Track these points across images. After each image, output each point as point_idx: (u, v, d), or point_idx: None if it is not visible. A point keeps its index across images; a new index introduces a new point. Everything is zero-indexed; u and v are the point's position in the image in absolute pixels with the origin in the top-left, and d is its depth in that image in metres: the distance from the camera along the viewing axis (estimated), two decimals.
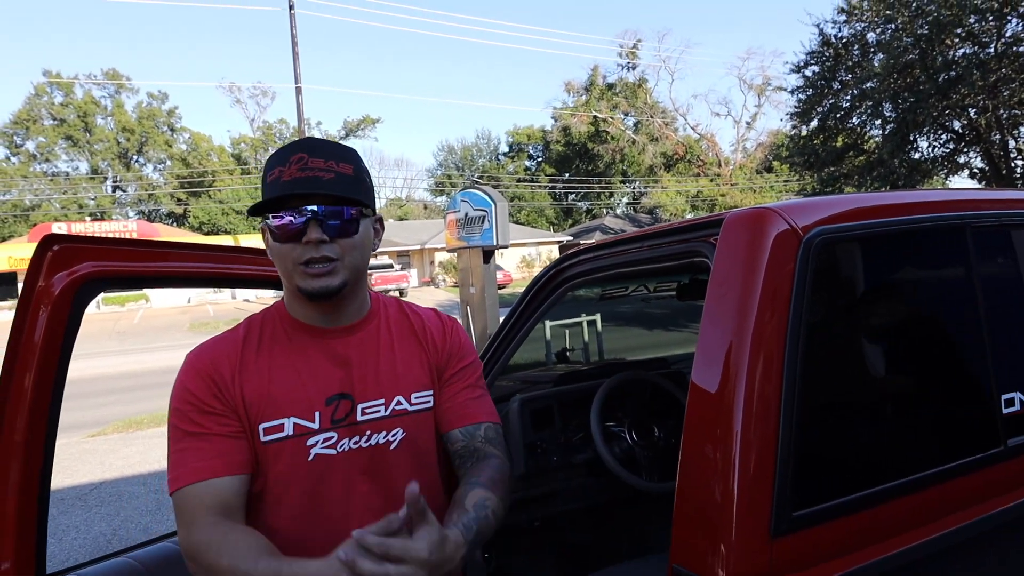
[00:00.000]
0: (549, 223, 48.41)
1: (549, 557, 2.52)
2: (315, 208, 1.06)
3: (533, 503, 2.21)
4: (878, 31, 16.26)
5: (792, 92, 18.39)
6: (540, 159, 51.48)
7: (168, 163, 42.74)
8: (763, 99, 42.06)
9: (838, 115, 17.49)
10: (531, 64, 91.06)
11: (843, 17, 16.77)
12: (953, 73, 14.35)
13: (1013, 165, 16.28)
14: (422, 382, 1.21)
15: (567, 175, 48.42)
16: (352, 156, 1.12)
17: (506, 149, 54.33)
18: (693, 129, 44.91)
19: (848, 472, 1.17)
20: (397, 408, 1.17)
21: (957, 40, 14.44)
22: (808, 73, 17.82)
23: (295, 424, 1.10)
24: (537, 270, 36.93)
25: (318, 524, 1.11)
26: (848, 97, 17.33)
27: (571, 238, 39.37)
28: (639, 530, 2.63)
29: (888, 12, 15.35)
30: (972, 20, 13.86)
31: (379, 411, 1.15)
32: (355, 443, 1.13)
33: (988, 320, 1.37)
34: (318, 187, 1.05)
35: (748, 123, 42.89)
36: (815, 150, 18.13)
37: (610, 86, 44.63)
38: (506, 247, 9.94)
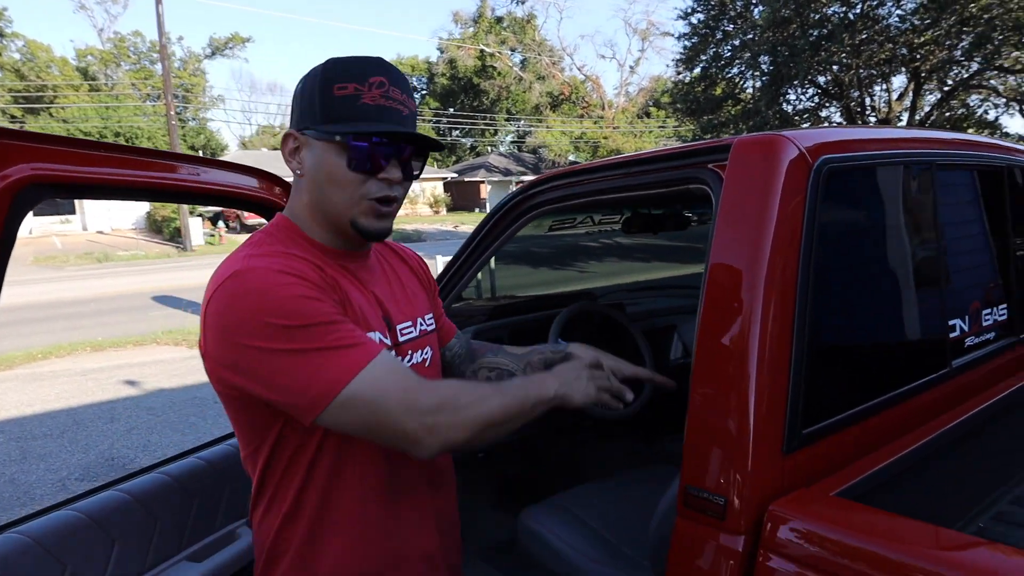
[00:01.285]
0: (433, 159, 47.42)
1: (489, 490, 2.54)
2: (405, 149, 1.01)
3: None
4: None
5: (678, 38, 18.83)
6: (424, 92, 49.85)
7: None
8: (647, 44, 42.94)
9: (719, 64, 18.17)
10: None
11: None
12: (824, 31, 15.27)
13: (868, 121, 17.77)
14: (427, 307, 1.25)
15: (452, 110, 47.38)
16: (410, 88, 1.05)
17: None
18: (579, 70, 45.20)
19: (843, 391, 1.23)
20: (423, 328, 1.19)
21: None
22: (694, 20, 18.29)
23: (380, 340, 1.05)
24: (421, 207, 36.45)
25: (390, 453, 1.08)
26: (729, 47, 18.02)
27: (456, 175, 38.88)
28: (572, 459, 2.71)
29: None
30: None
31: (412, 332, 1.16)
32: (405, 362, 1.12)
33: (944, 253, 1.48)
34: (401, 121, 1.00)
35: (632, 67, 43.93)
36: (697, 97, 18.82)
37: (499, 19, 43.67)
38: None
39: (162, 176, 1.21)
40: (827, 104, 18.27)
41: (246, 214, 28.00)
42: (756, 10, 17.06)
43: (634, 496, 1.97)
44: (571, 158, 40.61)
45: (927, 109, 17.34)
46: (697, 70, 18.84)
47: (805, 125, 18.75)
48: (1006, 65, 14.53)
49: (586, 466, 2.65)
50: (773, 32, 15.91)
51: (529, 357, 1.33)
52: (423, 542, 1.14)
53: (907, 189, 1.41)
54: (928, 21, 14.45)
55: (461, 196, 39.33)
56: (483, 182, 38.59)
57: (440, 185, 38.10)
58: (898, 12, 15.08)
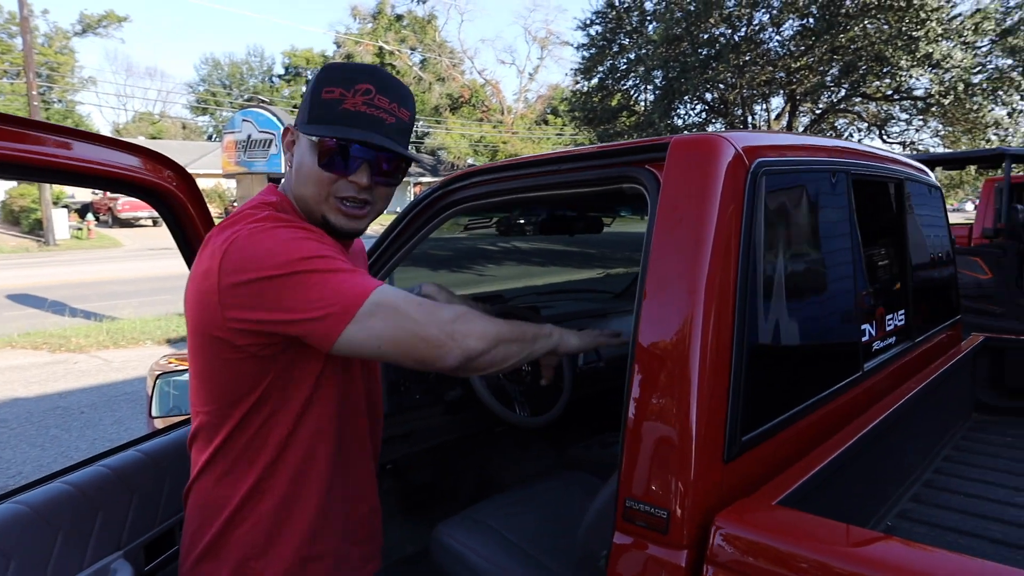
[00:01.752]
0: None
1: (397, 500, 2.41)
2: (374, 155, 1.08)
3: (391, 443, 2.07)
4: (655, 1, 17.58)
5: (577, 48, 19.25)
6: None
7: None
8: (546, 52, 43.71)
9: (615, 76, 18.75)
10: None
11: None
12: (713, 50, 16.11)
13: None
14: None
15: None
16: (411, 101, 1.13)
17: (282, 71, 50.10)
18: (479, 74, 45.35)
19: (776, 396, 1.22)
20: None
21: (718, 20, 16.16)
22: (592, 32, 18.76)
23: None
24: None
25: (352, 417, 1.19)
26: (625, 60, 18.63)
27: None
28: (481, 468, 2.63)
29: None
30: (731, 3, 15.59)
31: None
32: None
33: (859, 259, 1.52)
34: (381, 129, 1.06)
35: (531, 74, 44.64)
36: (594, 107, 19.32)
37: (399, 17, 43.03)
38: None
39: (17, 148, 1.01)
40: (713, 120, 19.29)
41: (120, 206, 25.93)
42: (651, 26, 17.74)
43: (550, 506, 1.92)
44: (470, 161, 40.63)
45: (800, 130, 18.71)
46: (595, 80, 19.34)
47: None
48: (868, 92, 15.93)
49: (496, 475, 2.58)
50: (666, 48, 16.60)
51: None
52: (363, 532, 1.25)
53: (829, 196, 1.44)
54: (803, 48, 15.59)
55: None
56: None
57: None
58: (778, 38, 16.19)
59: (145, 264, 16.84)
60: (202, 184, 31.10)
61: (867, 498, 1.48)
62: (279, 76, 50.34)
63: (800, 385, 1.30)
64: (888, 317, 1.71)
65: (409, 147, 1.14)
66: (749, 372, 1.09)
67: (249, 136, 9.11)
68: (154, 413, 1.98)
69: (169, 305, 10.50)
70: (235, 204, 27.83)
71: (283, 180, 1.16)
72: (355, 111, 1.04)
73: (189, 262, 1.39)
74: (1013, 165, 4.92)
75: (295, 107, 45.35)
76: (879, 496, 1.55)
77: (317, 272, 0.95)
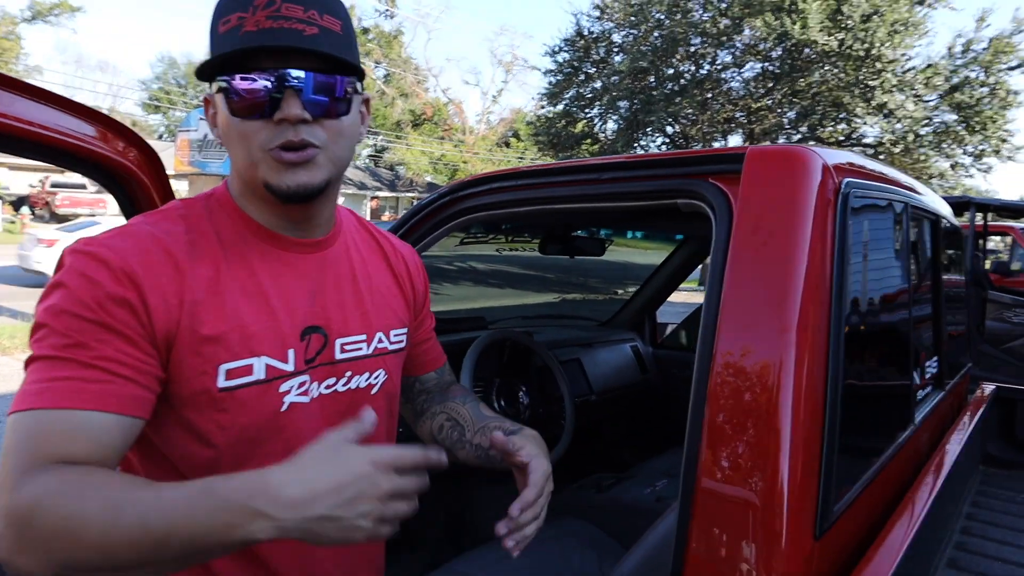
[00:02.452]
0: None
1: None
2: (300, 74, 0.77)
3: None
4: (623, 33, 17.85)
5: (544, 73, 19.37)
6: None
7: None
8: (510, 76, 44.00)
9: (581, 103, 18.92)
10: None
11: (597, 13, 18.07)
12: (677, 85, 16.42)
13: None
14: (401, 319, 1.03)
15: None
16: (339, 7, 0.81)
17: None
18: (443, 92, 45.26)
19: (859, 456, 1.05)
20: (380, 347, 0.97)
21: (683, 56, 16.50)
22: (560, 59, 18.92)
23: (267, 366, 0.82)
24: None
25: None
26: (591, 89, 18.83)
27: None
28: (459, 512, 2.39)
29: (633, 18, 16.92)
30: (697, 41, 15.95)
31: (361, 349, 0.94)
32: (329, 387, 0.89)
33: (915, 300, 1.38)
34: (299, 41, 0.76)
35: (494, 97, 44.56)
36: (558, 132, 19.41)
37: (365, 30, 42.70)
38: None
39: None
40: None
41: (59, 200, 24.61)
42: (617, 57, 17.98)
43: (546, 558, 1.70)
44: (428, 179, 40.38)
45: None
46: (560, 106, 19.46)
47: None
48: (823, 136, 16.45)
49: (472, 521, 2.34)
50: (632, 80, 16.82)
51: (487, 422, 1.06)
52: None
53: (898, 227, 1.30)
54: (764, 90, 16.02)
55: None
56: None
57: None
58: (740, 78, 16.61)
59: None
60: None
61: (923, 566, 1.32)
62: None
63: (875, 442, 1.14)
64: (927, 363, 1.58)
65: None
66: (841, 426, 0.92)
67: (205, 135, 8.73)
68: None
69: None
70: None
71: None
72: (257, 31, 0.75)
73: None
74: (978, 213, 5.01)
75: None
76: (927, 563, 1.40)
77: (35, 351, 0.71)
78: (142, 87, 49.62)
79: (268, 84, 0.76)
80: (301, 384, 0.85)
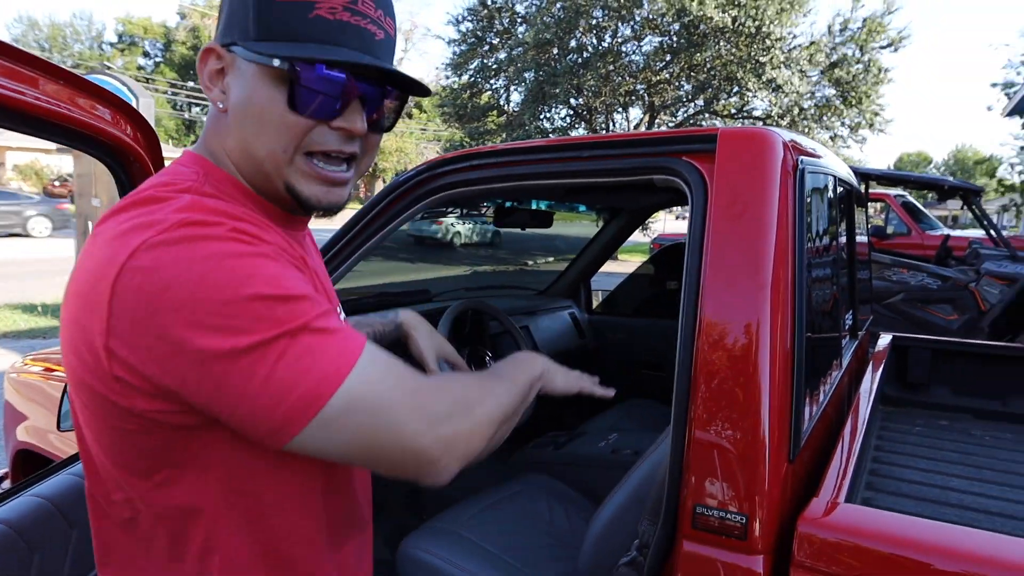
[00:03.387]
0: (169, 136, 42.18)
1: None
2: (373, 88, 0.74)
3: None
4: (526, 4, 17.91)
5: (448, 43, 19.15)
6: (160, 60, 44.11)
7: None
8: (410, 44, 43.04)
9: (486, 75, 18.89)
10: None
11: None
12: (580, 58, 16.70)
13: None
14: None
15: (192, 84, 42.58)
16: (393, 9, 0.77)
17: (115, 39, 45.21)
18: None
19: (814, 392, 1.23)
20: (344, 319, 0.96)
21: (586, 29, 16.77)
22: (463, 28, 18.76)
23: None
24: None
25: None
26: (495, 60, 18.82)
27: None
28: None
29: None
30: (599, 14, 16.25)
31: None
32: None
33: (845, 258, 1.59)
34: (373, 49, 0.72)
35: (395, 63, 43.53)
36: (464, 104, 19.32)
37: None
38: None
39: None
40: (577, 125, 20.01)
41: None
42: (521, 28, 18.05)
43: (519, 511, 1.83)
44: None
45: None
46: (465, 77, 19.34)
47: None
48: (717, 110, 17.30)
49: (436, 488, 2.44)
50: (536, 52, 16.96)
51: (358, 326, 1.16)
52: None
53: (831, 197, 1.49)
54: (662, 64, 16.61)
55: None
56: None
57: None
58: (640, 52, 17.11)
59: None
60: (14, 158, 27.08)
61: (854, 485, 1.55)
62: (111, 44, 45.41)
63: (822, 378, 1.32)
64: (846, 316, 1.81)
65: None
66: (805, 368, 1.09)
67: None
68: (63, 428, 1.65)
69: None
70: (68, 183, 24.60)
71: (202, 137, 0.79)
72: (335, 20, 0.70)
73: None
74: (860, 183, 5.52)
75: (136, 80, 40.98)
76: (855, 484, 1.63)
77: (276, 340, 0.60)
78: None
79: (342, 87, 0.71)
80: None
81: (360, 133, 0.74)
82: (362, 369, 0.64)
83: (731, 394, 1.01)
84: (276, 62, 0.68)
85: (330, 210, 0.77)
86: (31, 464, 2.33)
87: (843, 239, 1.80)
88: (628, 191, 2.12)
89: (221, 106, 0.74)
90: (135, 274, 0.59)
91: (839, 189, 1.72)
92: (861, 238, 2.44)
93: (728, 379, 1.02)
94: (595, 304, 3.43)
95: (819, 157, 1.46)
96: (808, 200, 1.21)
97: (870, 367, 2.07)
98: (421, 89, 0.78)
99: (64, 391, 1.58)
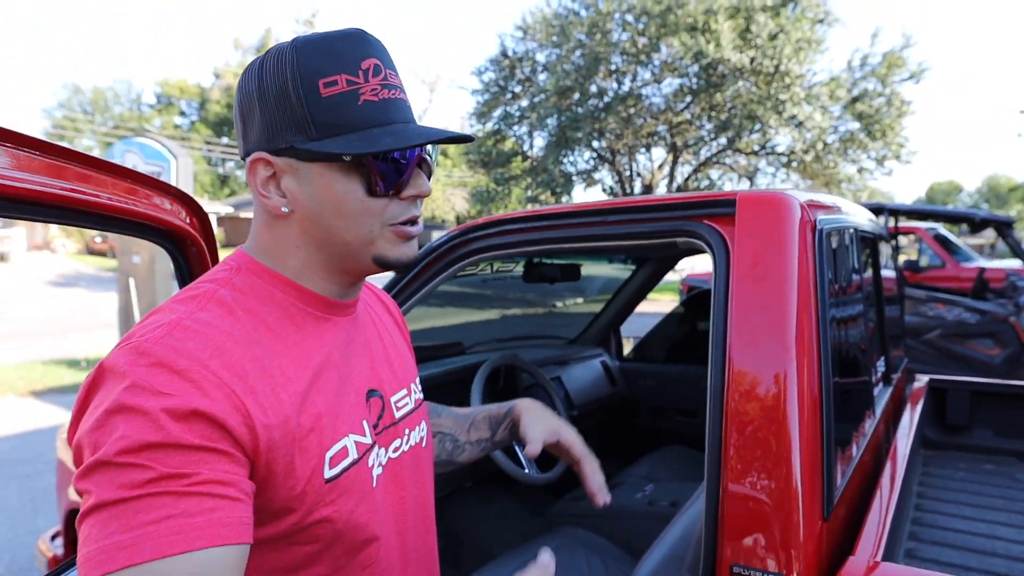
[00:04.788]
0: (205, 191, 43.64)
1: None
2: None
3: None
4: (546, 52, 18.35)
5: (472, 93, 19.65)
6: (195, 118, 45.97)
7: None
8: (433, 94, 44.25)
9: (509, 122, 19.30)
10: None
11: (520, 34, 18.52)
12: (601, 102, 16.99)
13: (633, 186, 20.00)
14: (415, 369, 1.00)
15: (226, 140, 44.18)
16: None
17: (153, 100, 47.31)
18: None
19: (845, 447, 1.24)
20: (417, 397, 0.95)
21: (606, 74, 17.10)
22: (486, 79, 19.27)
23: (356, 443, 0.75)
24: None
25: (390, 567, 0.80)
26: (518, 108, 19.24)
27: (232, 209, 36.08)
28: (458, 528, 2.49)
29: (555, 38, 17.45)
30: (617, 60, 16.58)
31: (407, 404, 0.90)
32: (396, 450, 0.84)
33: (872, 309, 1.61)
34: (410, 114, 0.76)
35: (420, 117, 44.59)
36: (489, 151, 19.71)
37: None
38: None
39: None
40: (600, 167, 20.24)
41: None
42: (542, 76, 18.48)
43: (558, 566, 1.83)
44: None
45: (682, 180, 20.03)
46: (489, 125, 19.77)
47: (581, 185, 20.55)
48: (740, 147, 17.36)
49: (469, 536, 2.45)
50: (558, 98, 17.31)
51: (472, 416, 1.15)
52: None
53: (851, 250, 1.52)
54: (683, 104, 16.81)
55: (236, 233, 36.49)
56: None
57: (214, 219, 34.77)
58: (660, 94, 17.35)
59: None
60: None
61: (895, 537, 1.54)
62: (150, 105, 47.54)
63: (854, 432, 1.34)
64: (878, 363, 1.82)
65: None
66: (835, 426, 1.11)
67: (134, 167, 8.40)
68: None
69: (31, 351, 9.38)
70: (108, 240, 25.48)
71: (252, 240, 0.80)
72: (379, 101, 0.72)
73: None
74: (891, 217, 5.48)
75: (168, 138, 42.62)
76: (896, 536, 1.61)
77: (126, 485, 0.56)
78: (44, 115, 47.09)
79: (408, 162, 0.75)
80: (377, 454, 0.80)
81: (428, 194, 0.79)
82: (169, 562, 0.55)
83: (761, 452, 1.04)
84: (347, 158, 0.71)
85: (412, 263, 0.81)
86: None
87: (868, 288, 1.82)
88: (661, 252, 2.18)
89: (286, 210, 0.74)
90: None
91: (860, 237, 1.75)
92: (890, 272, 2.44)
93: (757, 438, 1.05)
94: (626, 351, 3.45)
95: (838, 211, 1.50)
96: (828, 256, 1.24)
97: (907, 409, 2.06)
98: (467, 138, 0.79)
99: None
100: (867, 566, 1.00)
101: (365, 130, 0.71)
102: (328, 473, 0.70)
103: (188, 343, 0.63)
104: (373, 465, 0.78)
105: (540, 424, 1.04)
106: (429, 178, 0.81)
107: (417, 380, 0.98)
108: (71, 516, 2.40)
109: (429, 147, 0.78)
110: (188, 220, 1.19)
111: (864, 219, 1.95)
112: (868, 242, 1.97)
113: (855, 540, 1.10)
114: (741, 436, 1.06)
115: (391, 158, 0.73)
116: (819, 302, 1.13)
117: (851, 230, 1.55)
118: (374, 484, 0.77)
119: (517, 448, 1.90)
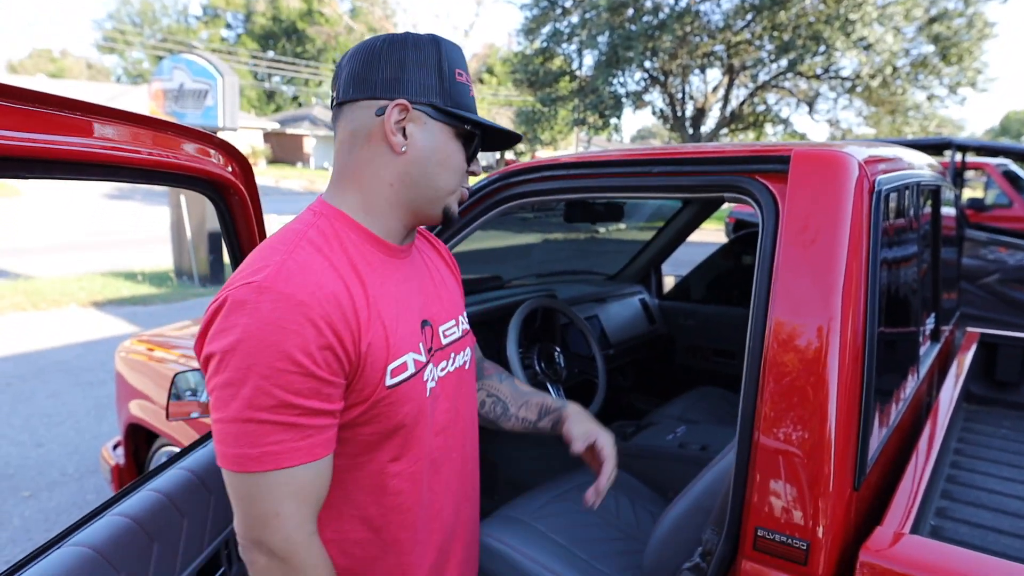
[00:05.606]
0: (251, 105, 43.70)
1: None
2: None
3: None
4: None
5: (521, 8, 18.89)
6: (241, 31, 45.48)
7: None
8: (480, 7, 42.67)
9: (558, 40, 18.57)
10: None
11: None
12: (656, 19, 16.15)
13: (684, 109, 19.25)
14: (462, 304, 1.18)
15: (272, 54, 43.77)
16: None
17: (199, 12, 46.84)
18: (413, 27, 43.81)
19: (883, 415, 1.22)
20: (464, 328, 1.13)
21: None
22: None
23: (414, 360, 0.94)
24: None
25: (438, 467, 1.02)
26: (567, 24, 18.45)
27: (277, 125, 36.18)
28: (497, 463, 2.58)
29: None
30: None
31: (455, 332, 1.09)
32: (444, 369, 1.03)
33: (925, 266, 1.54)
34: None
35: (466, 31, 43.31)
36: (536, 69, 19.11)
37: None
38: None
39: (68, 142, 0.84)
40: (651, 89, 19.47)
41: None
42: None
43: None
44: None
45: (735, 104, 19.16)
46: (537, 42, 19.09)
47: (630, 107, 19.85)
48: (802, 70, 16.43)
49: (509, 472, 2.54)
50: (610, 15, 16.52)
51: (528, 397, 1.29)
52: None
53: (915, 209, 1.44)
54: (744, 23, 15.86)
55: (282, 149, 36.72)
56: (307, 135, 36.29)
57: (259, 135, 35.07)
58: (719, 11, 16.39)
59: (54, 217, 15.61)
60: None
61: (926, 500, 1.53)
62: (196, 17, 47.10)
63: (892, 403, 1.31)
64: (927, 320, 1.76)
65: None
66: (873, 394, 1.09)
67: (182, 85, 8.44)
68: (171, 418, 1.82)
69: (89, 263, 9.80)
70: None
71: (345, 173, 0.96)
72: (471, 96, 0.98)
73: (236, 265, 1.24)
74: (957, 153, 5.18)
75: (214, 51, 42.53)
76: (931, 497, 1.61)
77: (245, 397, 0.78)
78: (95, 26, 47.21)
79: (477, 144, 0.99)
80: (430, 371, 0.98)
81: (477, 175, 1.04)
82: (270, 476, 0.80)
83: (797, 415, 1.03)
84: (467, 126, 0.95)
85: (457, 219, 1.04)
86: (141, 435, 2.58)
87: (924, 244, 1.74)
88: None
89: (403, 149, 0.92)
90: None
91: (924, 192, 1.66)
92: (950, 211, 2.32)
93: (794, 401, 1.04)
94: (666, 289, 3.42)
95: (899, 167, 1.42)
96: (884, 220, 1.19)
97: (955, 364, 2.01)
98: (517, 137, 1.05)
99: (173, 379, 1.73)
100: (892, 537, 1.00)
101: (470, 111, 0.97)
102: (389, 381, 0.88)
103: (296, 279, 0.79)
104: (428, 380, 0.96)
105: (584, 427, 1.19)
106: None
107: (464, 313, 1.16)
108: (130, 430, 2.56)
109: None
110: (230, 168, 1.19)
111: (927, 170, 1.84)
112: (930, 194, 1.87)
113: (886, 508, 1.10)
114: (778, 397, 1.05)
115: (476, 136, 0.97)
116: (869, 271, 1.08)
117: (913, 186, 1.47)
118: (427, 394, 0.96)
119: (551, 388, 1.93)
